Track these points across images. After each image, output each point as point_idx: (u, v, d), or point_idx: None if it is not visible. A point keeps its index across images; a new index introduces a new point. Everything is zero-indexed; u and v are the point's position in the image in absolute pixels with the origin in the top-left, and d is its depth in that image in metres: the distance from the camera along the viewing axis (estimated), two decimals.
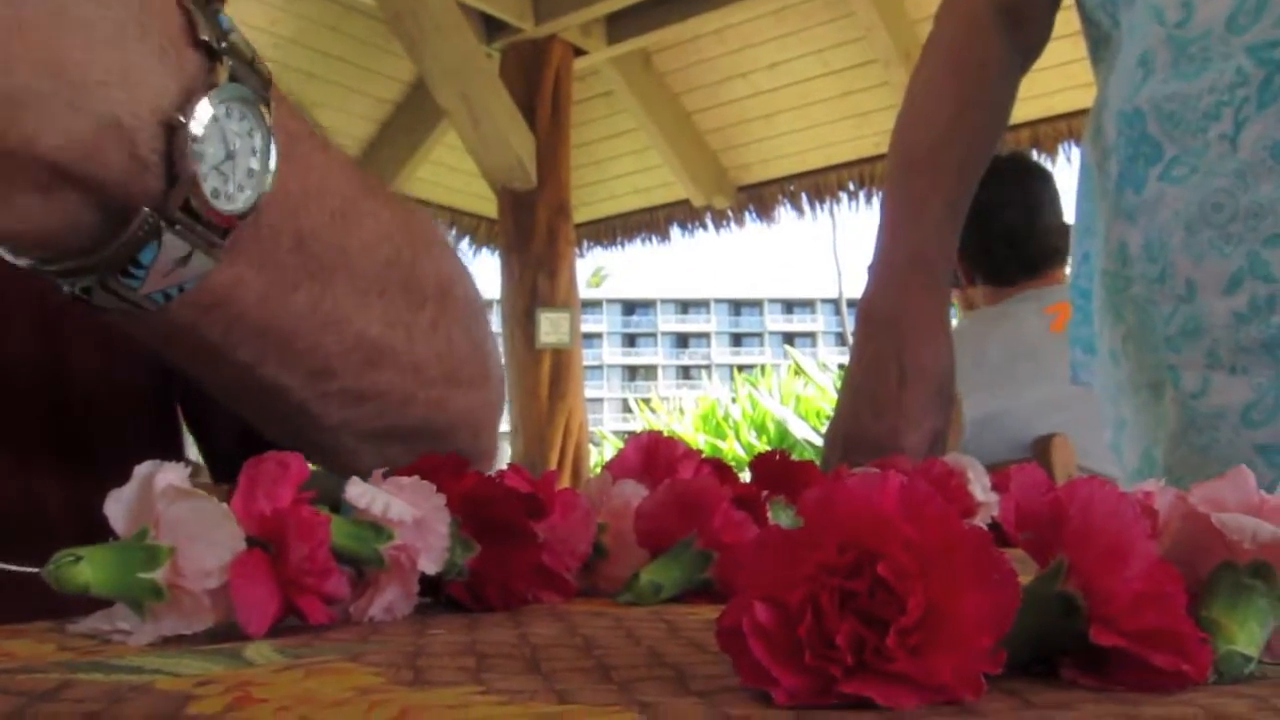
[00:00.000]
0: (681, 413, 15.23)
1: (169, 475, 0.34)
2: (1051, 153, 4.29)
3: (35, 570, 0.32)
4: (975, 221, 1.80)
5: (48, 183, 0.29)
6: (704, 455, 0.57)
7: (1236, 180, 0.73)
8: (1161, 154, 0.79)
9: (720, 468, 0.56)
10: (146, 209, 0.31)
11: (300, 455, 0.36)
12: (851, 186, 4.86)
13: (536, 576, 0.41)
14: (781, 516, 0.54)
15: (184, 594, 0.32)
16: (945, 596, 0.23)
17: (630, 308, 46.89)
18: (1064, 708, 0.22)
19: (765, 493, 0.55)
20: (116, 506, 0.34)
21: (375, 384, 0.46)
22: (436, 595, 0.40)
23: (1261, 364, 0.74)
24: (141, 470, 0.34)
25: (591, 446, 5.07)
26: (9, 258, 0.33)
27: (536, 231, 4.36)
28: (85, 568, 0.31)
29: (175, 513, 0.33)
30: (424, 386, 0.48)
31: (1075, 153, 4.22)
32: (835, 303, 41.62)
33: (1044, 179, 1.83)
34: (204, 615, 0.32)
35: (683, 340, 46.61)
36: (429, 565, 0.37)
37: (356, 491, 0.37)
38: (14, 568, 0.35)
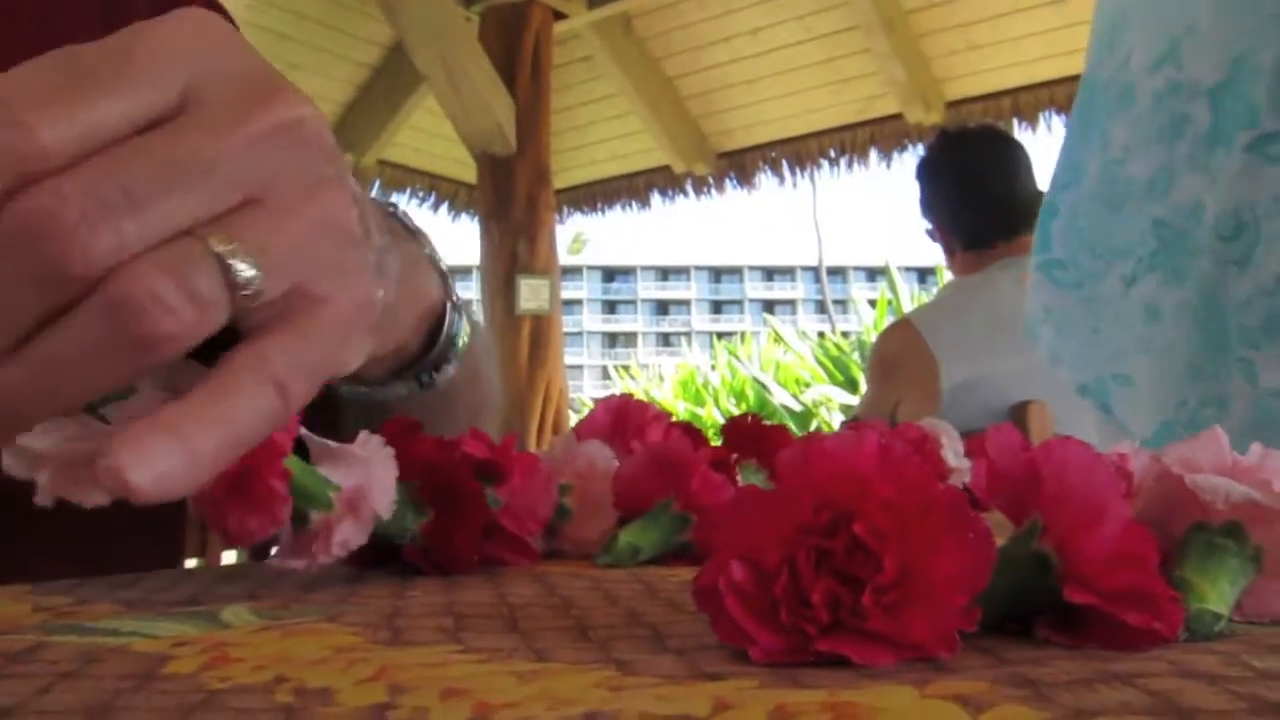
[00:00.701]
0: (661, 379, 15.23)
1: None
2: (1032, 121, 4.28)
3: None
4: (957, 189, 1.82)
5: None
6: (675, 420, 0.57)
7: None
8: (1256, 120, 0.71)
9: (690, 431, 0.56)
10: (448, 302, 0.46)
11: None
12: (832, 153, 4.84)
13: (493, 540, 0.41)
14: (752, 480, 0.54)
15: None
16: (921, 556, 0.23)
17: (610, 274, 46.76)
18: (1037, 664, 0.22)
19: (735, 456, 0.55)
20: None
21: (476, 400, 0.55)
22: (399, 560, 0.40)
23: None
24: None
25: (571, 413, 5.07)
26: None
27: (516, 197, 4.33)
28: None
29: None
30: (490, 409, 0.58)
31: (1056, 122, 4.22)
32: (815, 270, 41.65)
33: (1017, 146, 1.85)
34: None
35: (663, 307, 46.55)
36: (379, 508, 0.37)
37: (317, 439, 0.37)
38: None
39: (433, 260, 0.47)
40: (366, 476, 0.36)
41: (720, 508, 0.41)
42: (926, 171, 1.86)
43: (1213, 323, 0.75)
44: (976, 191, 1.77)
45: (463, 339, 0.48)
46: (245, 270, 0.24)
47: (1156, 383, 0.81)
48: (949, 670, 0.22)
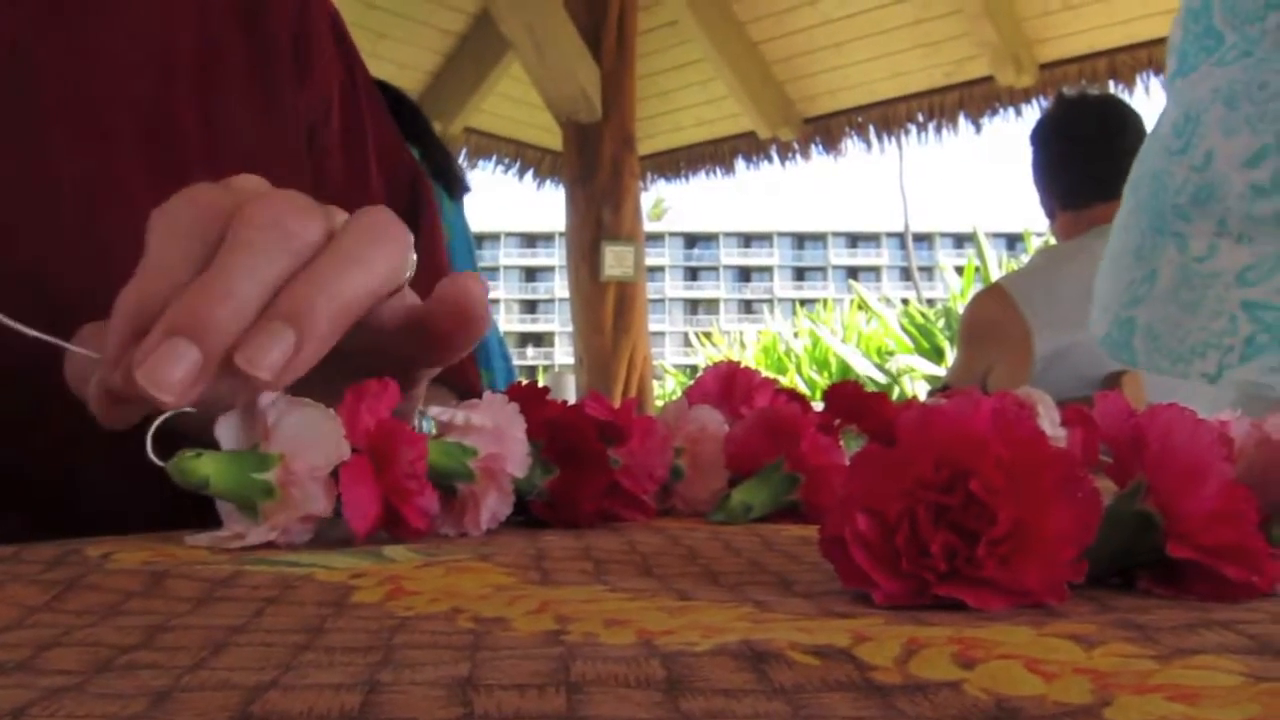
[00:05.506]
0: (743, 346, 15.23)
1: (270, 394, 0.36)
2: (1130, 84, 4.17)
3: (161, 464, 0.34)
4: (1059, 150, 1.80)
5: None
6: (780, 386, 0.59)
7: None
8: (1222, 42, 0.83)
9: (796, 397, 0.58)
10: None
11: (396, 381, 0.38)
12: (920, 118, 4.78)
13: (614, 497, 0.43)
14: (853, 446, 0.56)
15: (296, 489, 0.34)
16: (1033, 511, 0.25)
17: (692, 241, 46.63)
18: (1142, 612, 0.24)
19: (838, 421, 0.57)
20: (225, 429, 0.36)
21: None
22: (525, 513, 0.43)
23: (1269, 235, 0.80)
24: (243, 399, 0.36)
25: (654, 381, 5.10)
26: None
27: (601, 164, 4.36)
28: (206, 462, 0.33)
29: (284, 422, 0.35)
30: None
31: (1155, 84, 4.10)
32: (901, 236, 41.05)
33: (1132, 115, 1.83)
34: (318, 504, 0.34)
35: (745, 274, 46.33)
36: (515, 469, 0.40)
37: (437, 409, 0.40)
38: (154, 460, 0.37)
39: None
40: (499, 441, 0.39)
41: (830, 470, 0.43)
42: (1035, 134, 1.88)
43: (1157, 207, 0.88)
44: (1079, 152, 1.77)
45: None
46: None
47: (1108, 285, 0.94)
48: (1059, 615, 0.24)
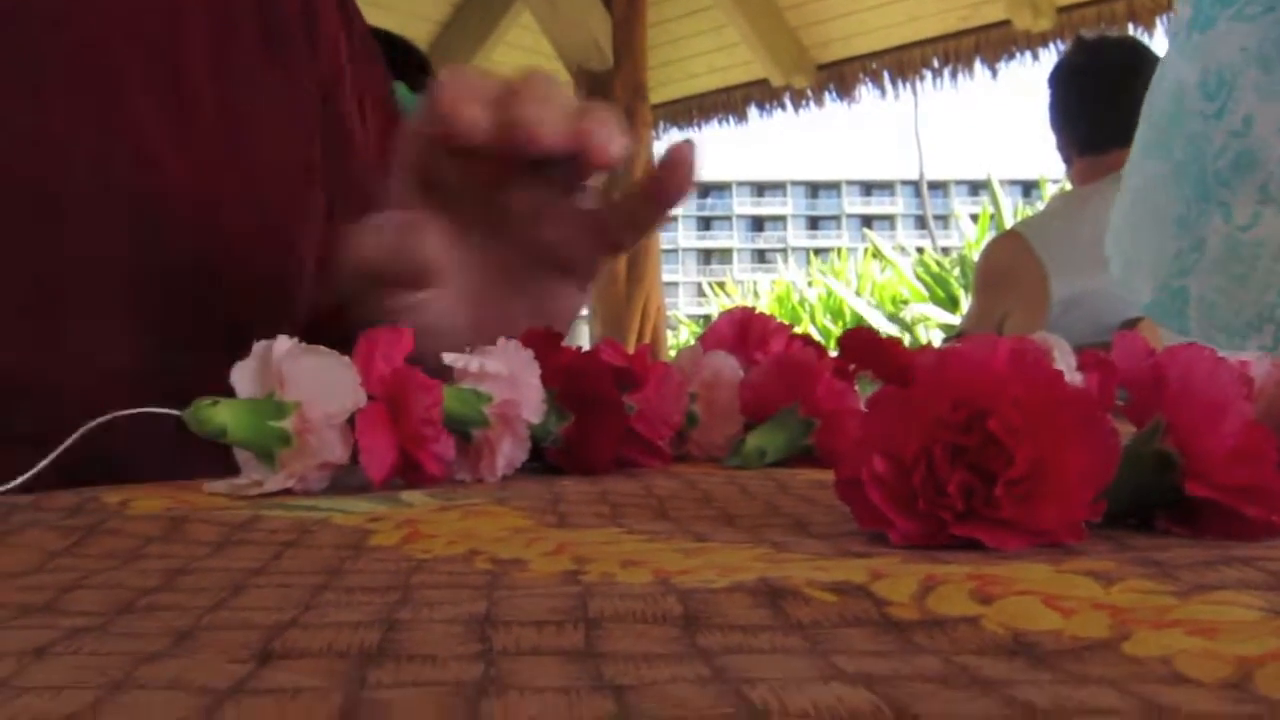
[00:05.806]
0: (757, 296, 15.21)
1: (286, 343, 0.36)
2: (1149, 26, 4.10)
3: (177, 413, 0.34)
4: (1078, 93, 1.78)
5: None
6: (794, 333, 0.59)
7: None
8: None
9: (811, 342, 0.58)
10: None
11: (411, 329, 0.38)
12: (935, 63, 4.70)
13: (630, 443, 0.43)
14: (868, 391, 0.56)
15: (312, 437, 0.34)
16: (1051, 451, 0.25)
17: (705, 190, 46.25)
18: (1160, 550, 0.24)
19: (853, 367, 0.57)
20: (241, 377, 0.36)
21: None
22: (540, 460, 0.43)
23: None
24: (259, 346, 0.36)
25: (667, 331, 5.10)
26: None
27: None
28: (223, 410, 0.34)
29: (299, 369, 0.35)
30: None
31: None
32: (915, 184, 40.69)
33: (1147, 53, 1.80)
34: (335, 451, 0.34)
35: (758, 223, 46.04)
36: (531, 415, 0.39)
37: (452, 356, 0.40)
38: (158, 409, 0.37)
39: None
40: (514, 388, 0.39)
41: (845, 414, 0.43)
42: (1054, 78, 1.85)
43: (1198, 173, 0.86)
44: (1097, 96, 1.74)
45: None
46: None
47: (1142, 248, 0.92)
48: (1077, 553, 0.24)
